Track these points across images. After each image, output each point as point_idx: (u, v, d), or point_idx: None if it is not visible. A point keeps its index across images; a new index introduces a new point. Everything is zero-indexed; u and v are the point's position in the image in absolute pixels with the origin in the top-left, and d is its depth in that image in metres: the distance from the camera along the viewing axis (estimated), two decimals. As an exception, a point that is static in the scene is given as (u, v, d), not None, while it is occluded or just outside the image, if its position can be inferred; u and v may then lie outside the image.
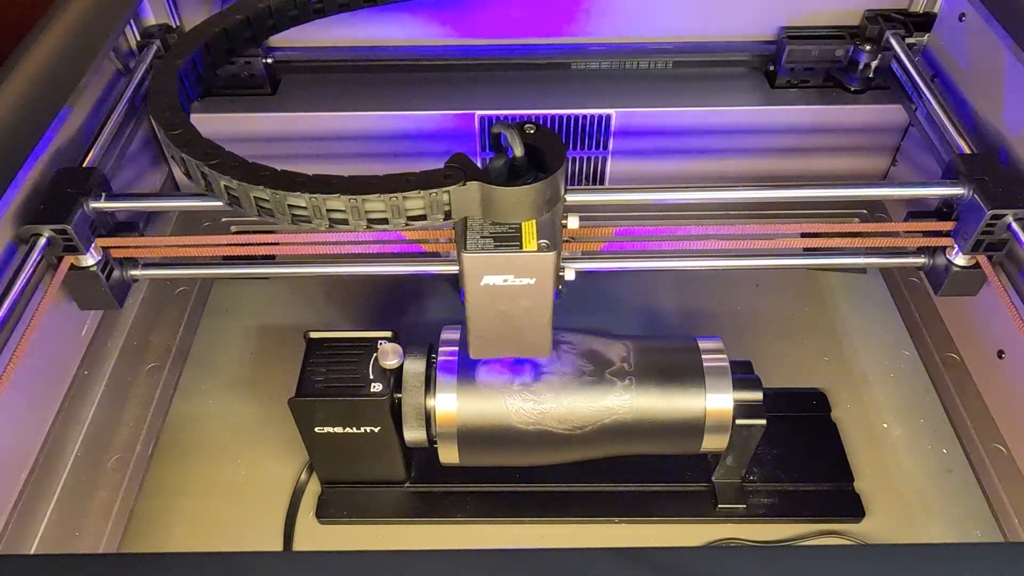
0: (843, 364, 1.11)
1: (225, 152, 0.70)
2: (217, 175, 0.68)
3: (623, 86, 1.19)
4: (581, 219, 0.81)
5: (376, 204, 0.67)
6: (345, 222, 0.68)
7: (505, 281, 0.74)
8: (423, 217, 0.69)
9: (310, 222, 0.69)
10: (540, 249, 0.72)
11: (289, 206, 0.68)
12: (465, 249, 0.72)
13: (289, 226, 0.70)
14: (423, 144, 1.18)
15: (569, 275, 0.83)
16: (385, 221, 0.68)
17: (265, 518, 0.96)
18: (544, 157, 0.70)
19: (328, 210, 0.68)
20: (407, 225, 0.69)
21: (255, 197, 0.68)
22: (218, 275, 1.18)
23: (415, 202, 0.68)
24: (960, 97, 1.06)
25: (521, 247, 0.72)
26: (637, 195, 0.95)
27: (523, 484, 0.98)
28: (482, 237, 0.72)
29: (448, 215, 0.70)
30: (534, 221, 0.73)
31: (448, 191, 0.68)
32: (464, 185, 0.68)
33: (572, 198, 0.82)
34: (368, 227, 0.69)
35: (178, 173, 1.25)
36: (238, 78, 1.16)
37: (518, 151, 0.69)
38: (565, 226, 0.81)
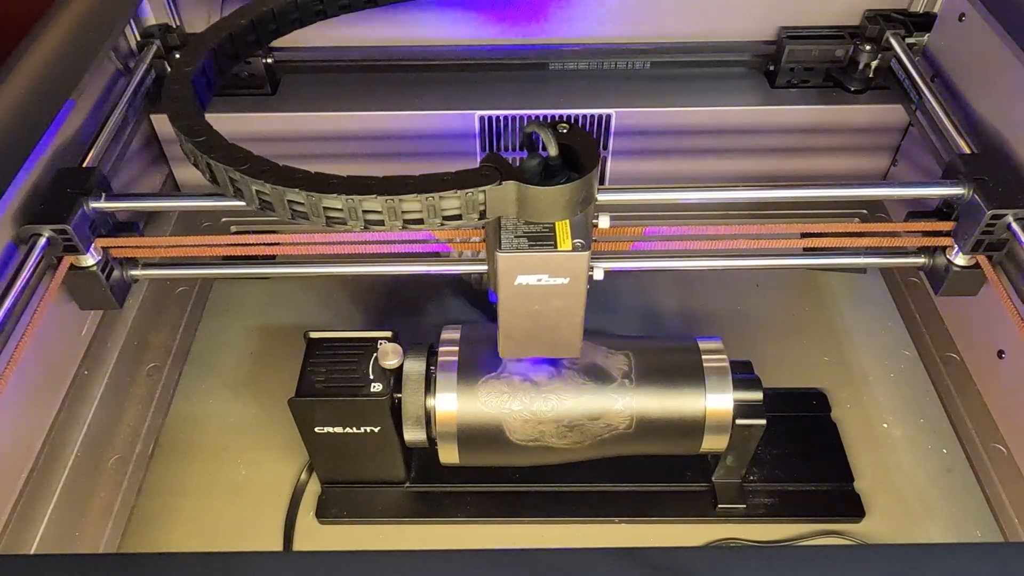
0: (843, 364, 1.11)
1: (254, 156, 0.69)
2: (249, 180, 0.68)
3: (623, 86, 1.19)
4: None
5: (412, 204, 0.67)
6: (381, 223, 0.68)
7: (539, 281, 0.74)
8: (458, 217, 0.69)
9: (345, 223, 0.68)
10: (575, 249, 0.72)
11: (324, 208, 0.67)
12: (500, 249, 0.72)
13: (320, 227, 0.70)
14: (423, 144, 1.18)
15: (598, 275, 0.83)
16: (421, 221, 0.68)
17: (265, 518, 0.96)
18: (577, 156, 0.70)
19: (364, 211, 0.67)
20: (442, 225, 0.68)
21: (289, 200, 0.68)
22: (218, 275, 1.18)
23: (451, 202, 0.67)
24: (960, 97, 1.06)
25: (556, 247, 0.72)
26: (658, 195, 0.94)
27: (523, 484, 0.98)
28: (516, 237, 0.72)
29: (483, 215, 0.69)
30: (568, 220, 0.73)
31: (484, 191, 0.67)
32: (500, 184, 0.67)
33: (603, 197, 0.81)
34: (404, 227, 0.68)
35: (179, 173, 1.25)
36: (238, 78, 1.16)
37: (553, 150, 0.69)
38: (596, 226, 0.80)
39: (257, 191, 0.69)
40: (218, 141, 0.71)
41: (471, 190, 0.67)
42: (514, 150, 1.18)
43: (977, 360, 1.03)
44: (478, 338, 0.90)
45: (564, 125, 0.71)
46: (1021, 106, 0.94)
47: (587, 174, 0.69)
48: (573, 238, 0.72)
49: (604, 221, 0.80)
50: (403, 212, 0.67)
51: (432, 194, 0.66)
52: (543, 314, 0.77)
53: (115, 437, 1.00)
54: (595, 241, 0.83)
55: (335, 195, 0.66)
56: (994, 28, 0.99)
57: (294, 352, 0.91)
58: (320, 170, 0.69)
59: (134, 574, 0.58)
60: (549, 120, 0.72)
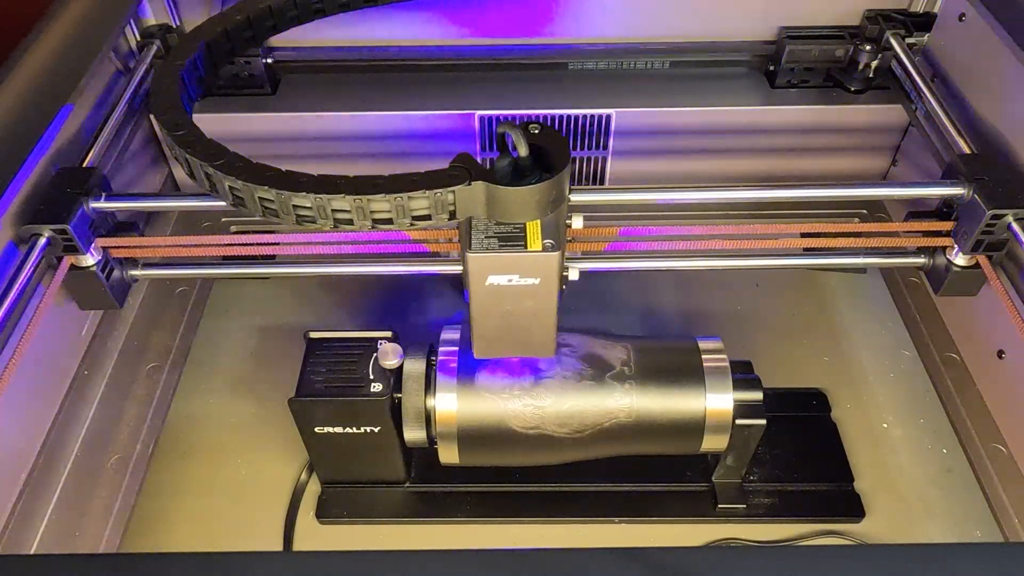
0: (843, 364, 1.11)
1: (229, 152, 0.70)
2: (221, 176, 0.68)
3: (623, 86, 1.19)
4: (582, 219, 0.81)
5: (381, 204, 0.67)
6: (350, 222, 0.68)
7: (510, 281, 0.74)
8: (428, 217, 0.69)
9: (315, 222, 0.68)
10: (545, 249, 0.72)
11: (294, 206, 0.68)
12: (470, 249, 0.72)
13: (292, 226, 0.70)
14: (423, 144, 1.18)
15: (573, 275, 0.83)
16: (390, 221, 0.68)
17: (265, 518, 0.96)
18: (549, 157, 0.70)
19: (333, 210, 0.67)
20: (412, 225, 0.69)
21: (259, 197, 0.68)
22: (218, 275, 1.18)
23: (420, 202, 0.68)
24: (960, 97, 1.06)
25: (526, 247, 0.72)
26: (640, 195, 0.94)
27: (523, 484, 0.98)
28: (487, 237, 0.72)
29: (453, 215, 0.69)
30: (539, 221, 0.73)
31: (453, 191, 0.67)
32: (469, 185, 0.68)
33: (576, 198, 0.82)
34: (373, 227, 0.69)
35: (179, 173, 1.25)
36: (238, 78, 1.16)
37: (523, 151, 0.69)
38: (569, 226, 0.80)
39: (230, 187, 0.69)
40: (196, 136, 0.71)
41: (440, 190, 0.67)
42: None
43: (977, 360, 1.03)
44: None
45: (536, 125, 0.72)
46: (1021, 106, 0.94)
47: (557, 174, 0.69)
48: (544, 238, 0.72)
49: (578, 221, 0.81)
50: (372, 212, 0.67)
51: (401, 194, 0.66)
52: (515, 314, 0.78)
53: (115, 437, 1.00)
54: (571, 241, 0.83)
55: (304, 193, 0.66)
56: (994, 28, 0.99)
57: (294, 352, 0.91)
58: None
59: (134, 574, 0.58)
60: (534, 120, 0.72)
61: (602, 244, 0.87)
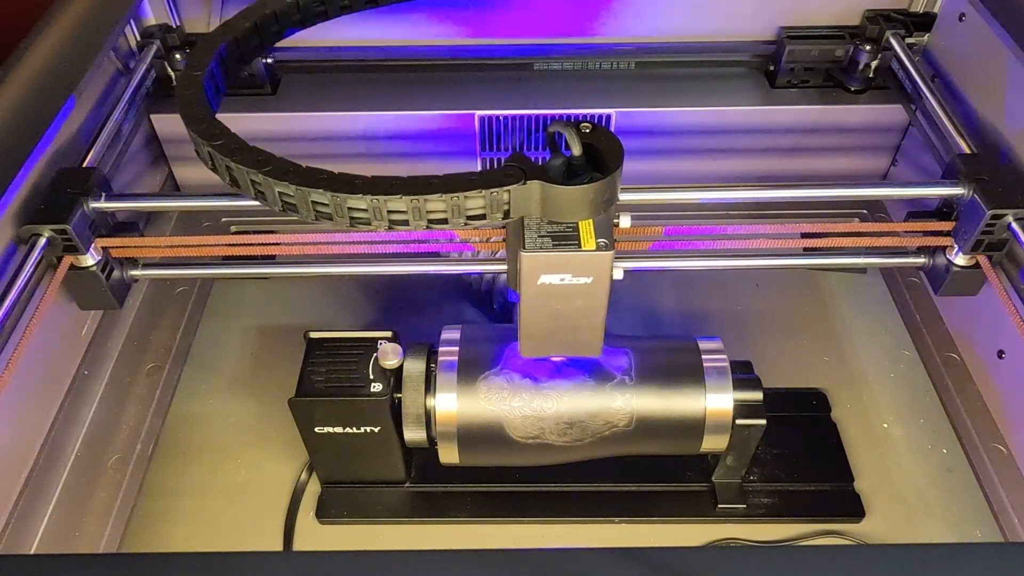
0: (843, 364, 1.11)
1: (276, 157, 0.69)
2: (273, 182, 0.68)
3: (623, 86, 1.19)
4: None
5: (437, 204, 0.67)
6: (405, 223, 0.68)
7: (562, 280, 0.74)
8: (482, 216, 0.69)
9: (369, 224, 0.68)
10: (599, 248, 0.72)
11: (349, 209, 0.67)
12: (524, 248, 0.72)
13: (344, 228, 0.70)
14: (423, 144, 1.18)
15: (617, 274, 0.83)
16: (445, 221, 0.68)
17: (265, 518, 0.96)
18: (600, 156, 0.71)
19: (389, 211, 0.67)
20: (465, 225, 0.69)
21: (313, 201, 0.68)
22: (218, 275, 1.18)
23: (475, 201, 0.68)
24: (960, 97, 1.06)
25: (580, 246, 0.72)
26: (666, 194, 0.94)
27: (523, 484, 0.98)
28: (540, 236, 0.72)
29: (507, 214, 0.70)
30: (591, 220, 0.73)
31: (508, 190, 0.68)
32: (524, 184, 0.68)
33: (623, 197, 0.82)
34: (428, 227, 0.69)
35: (179, 173, 1.25)
36: (238, 78, 1.16)
37: (576, 150, 0.69)
38: (616, 225, 0.80)
39: (280, 193, 0.69)
40: (237, 143, 0.71)
41: (496, 190, 0.67)
42: (513, 151, 1.18)
43: (977, 360, 1.03)
44: (478, 338, 0.90)
45: (587, 125, 0.72)
46: (1021, 106, 0.94)
47: (612, 173, 0.70)
48: (597, 237, 0.72)
49: (625, 220, 0.81)
50: (428, 212, 0.68)
51: (457, 194, 0.67)
52: (564, 314, 0.77)
53: (115, 437, 1.00)
54: (616, 241, 0.83)
55: (360, 195, 0.66)
56: (994, 28, 0.99)
57: (294, 352, 0.91)
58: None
59: (134, 574, 0.58)
60: (571, 120, 0.72)
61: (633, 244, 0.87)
